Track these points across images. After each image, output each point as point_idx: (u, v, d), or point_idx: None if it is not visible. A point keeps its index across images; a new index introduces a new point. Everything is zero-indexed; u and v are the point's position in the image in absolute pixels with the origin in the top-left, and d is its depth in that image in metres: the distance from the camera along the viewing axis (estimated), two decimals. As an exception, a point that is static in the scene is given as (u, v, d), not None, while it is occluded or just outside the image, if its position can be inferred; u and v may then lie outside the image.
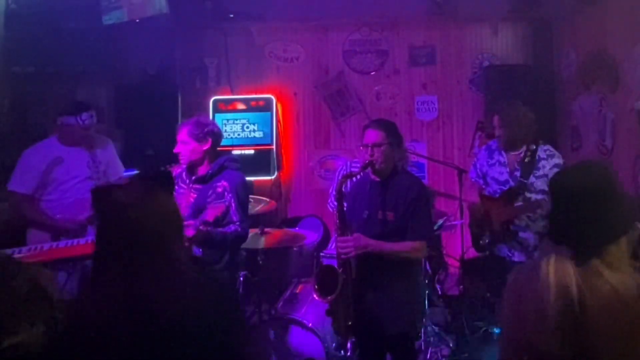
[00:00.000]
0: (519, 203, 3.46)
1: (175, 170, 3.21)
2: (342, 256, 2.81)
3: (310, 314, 3.38)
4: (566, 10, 4.95)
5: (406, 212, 2.81)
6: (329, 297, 2.83)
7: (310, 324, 3.30)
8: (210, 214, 2.87)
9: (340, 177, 3.02)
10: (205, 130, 3.14)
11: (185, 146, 3.11)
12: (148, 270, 1.45)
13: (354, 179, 3.19)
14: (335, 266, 2.88)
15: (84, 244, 3.14)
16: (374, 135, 2.86)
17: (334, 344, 3.19)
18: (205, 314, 1.47)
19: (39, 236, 3.50)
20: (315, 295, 2.93)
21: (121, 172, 3.89)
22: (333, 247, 3.75)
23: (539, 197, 3.38)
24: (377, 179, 2.91)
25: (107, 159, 3.80)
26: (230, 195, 3.05)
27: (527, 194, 3.45)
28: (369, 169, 2.88)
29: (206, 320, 1.46)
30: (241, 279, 3.58)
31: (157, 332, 1.40)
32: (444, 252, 5.00)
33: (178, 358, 1.42)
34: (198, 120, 3.18)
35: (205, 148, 3.14)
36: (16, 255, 2.87)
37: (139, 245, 1.47)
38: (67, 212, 3.55)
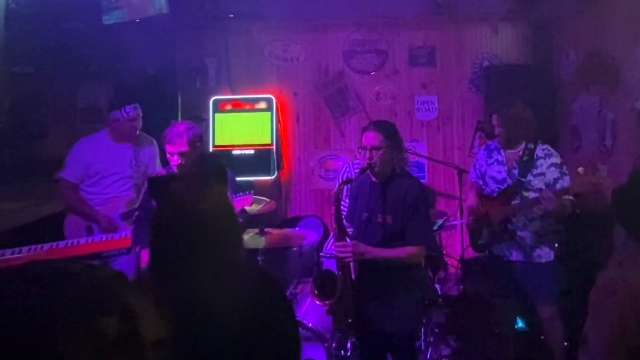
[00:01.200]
0: (516, 201, 3.47)
1: (161, 172, 3.28)
2: (341, 261, 2.80)
3: (310, 314, 3.38)
4: (566, 10, 4.94)
5: (404, 216, 2.80)
6: (328, 301, 2.83)
7: (310, 324, 3.29)
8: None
9: (340, 182, 3.01)
10: (200, 133, 3.23)
11: (188, 157, 3.14)
12: (202, 262, 1.46)
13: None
14: (334, 269, 2.88)
15: (84, 243, 3.14)
16: (373, 138, 2.82)
17: (334, 344, 3.18)
18: (257, 310, 1.45)
19: (76, 223, 3.69)
20: (316, 301, 2.93)
21: None
22: (330, 246, 3.74)
23: (536, 195, 3.39)
24: (376, 181, 2.90)
25: (149, 160, 3.90)
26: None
27: (524, 193, 3.46)
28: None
29: (257, 317, 1.44)
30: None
31: (205, 323, 1.39)
32: (444, 252, 5.00)
33: (223, 352, 1.40)
34: (188, 127, 3.19)
35: (200, 150, 3.20)
36: (15, 255, 2.86)
37: (195, 237, 1.48)
38: (104, 207, 3.68)
